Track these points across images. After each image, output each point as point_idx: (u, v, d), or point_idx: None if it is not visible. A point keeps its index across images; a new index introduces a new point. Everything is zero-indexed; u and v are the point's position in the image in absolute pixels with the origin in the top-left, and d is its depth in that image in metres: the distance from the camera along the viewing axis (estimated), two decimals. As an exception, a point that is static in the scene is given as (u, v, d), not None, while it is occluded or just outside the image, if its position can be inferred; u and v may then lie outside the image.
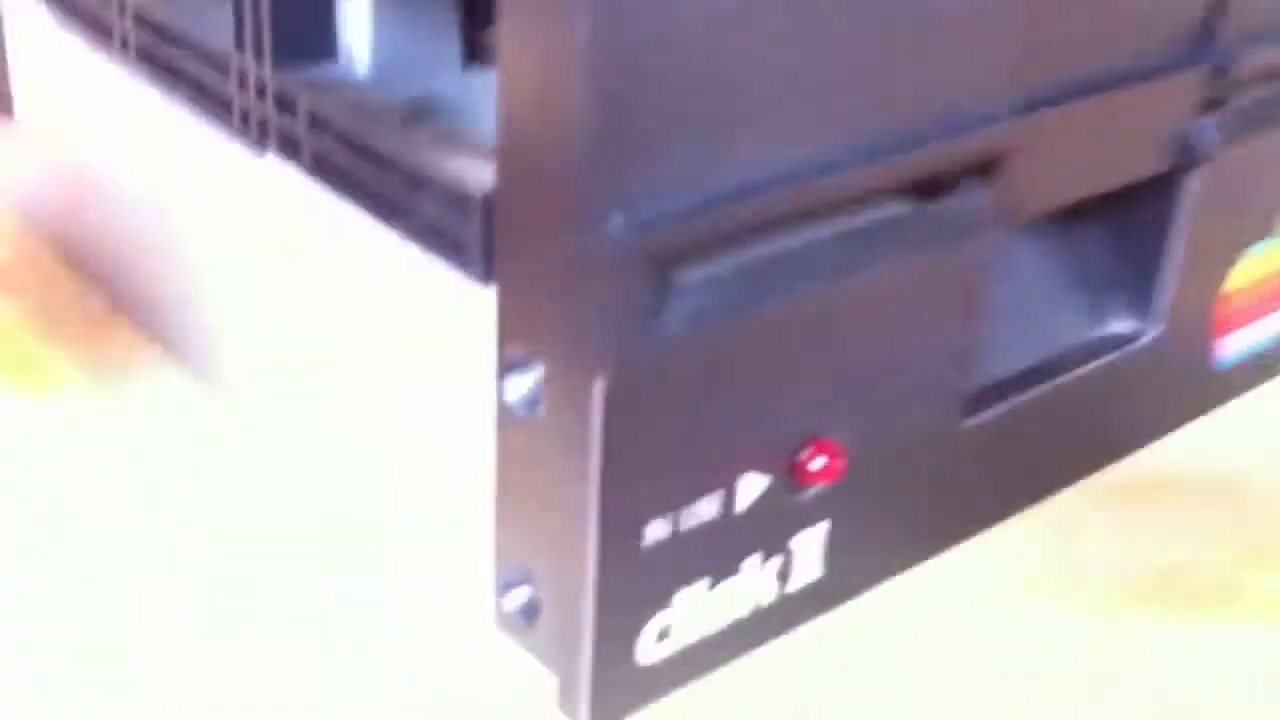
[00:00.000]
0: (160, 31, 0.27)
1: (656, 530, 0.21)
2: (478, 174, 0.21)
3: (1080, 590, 0.26)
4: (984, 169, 0.23)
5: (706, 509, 0.21)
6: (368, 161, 0.23)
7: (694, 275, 0.20)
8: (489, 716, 0.22)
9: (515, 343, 0.20)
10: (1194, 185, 0.27)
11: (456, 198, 0.21)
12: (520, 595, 0.22)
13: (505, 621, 0.22)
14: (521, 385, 0.20)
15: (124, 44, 0.29)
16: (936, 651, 0.24)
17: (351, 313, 0.25)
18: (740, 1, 0.18)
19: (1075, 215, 0.28)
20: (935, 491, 0.25)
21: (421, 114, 0.24)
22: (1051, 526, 0.27)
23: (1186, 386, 0.30)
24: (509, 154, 0.19)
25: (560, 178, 0.18)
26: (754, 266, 0.20)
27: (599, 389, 0.19)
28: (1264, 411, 0.31)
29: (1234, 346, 0.30)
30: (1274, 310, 0.31)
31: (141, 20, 0.28)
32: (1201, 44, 0.26)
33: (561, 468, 0.20)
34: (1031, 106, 0.23)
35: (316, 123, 0.24)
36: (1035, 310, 0.28)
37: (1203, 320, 0.29)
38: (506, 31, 0.18)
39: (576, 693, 0.21)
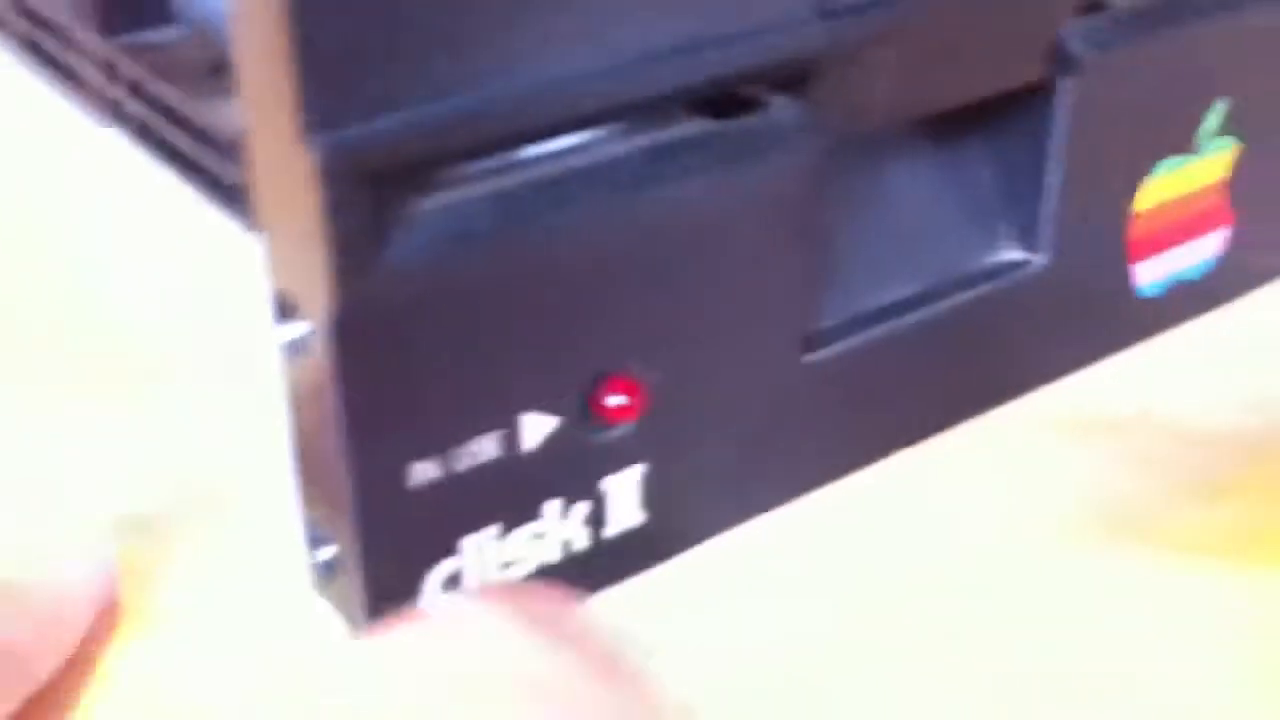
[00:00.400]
0: (34, 17, 0.28)
1: (424, 472, 0.20)
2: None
3: (1031, 522, 0.24)
4: (791, 84, 0.22)
5: (484, 449, 0.20)
6: (165, 117, 0.22)
7: (430, 201, 0.19)
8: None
9: (281, 285, 0.20)
10: (1070, 97, 0.25)
11: (219, 143, 0.20)
12: (326, 552, 0.22)
13: (317, 580, 0.22)
14: (293, 330, 0.20)
15: (13, 34, 0.29)
16: (889, 578, 0.23)
17: (193, 282, 0.25)
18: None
19: (963, 134, 0.27)
20: (774, 434, 0.24)
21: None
22: (999, 460, 0.26)
23: (1099, 317, 0.28)
24: (243, 94, 0.19)
25: (275, 102, 0.18)
26: (508, 191, 0.19)
27: (329, 323, 0.18)
28: (1209, 344, 0.29)
29: (1154, 273, 0.28)
30: (1203, 234, 0.29)
31: (22, 8, 0.29)
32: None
33: (322, 411, 0.20)
34: (842, 12, 0.22)
35: (135, 89, 0.24)
36: (921, 238, 0.26)
37: (1108, 244, 0.27)
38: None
39: (364, 643, 0.21)
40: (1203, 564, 0.24)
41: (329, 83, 0.17)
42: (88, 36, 0.25)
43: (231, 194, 0.21)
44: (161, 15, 0.25)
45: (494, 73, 0.19)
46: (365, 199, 0.18)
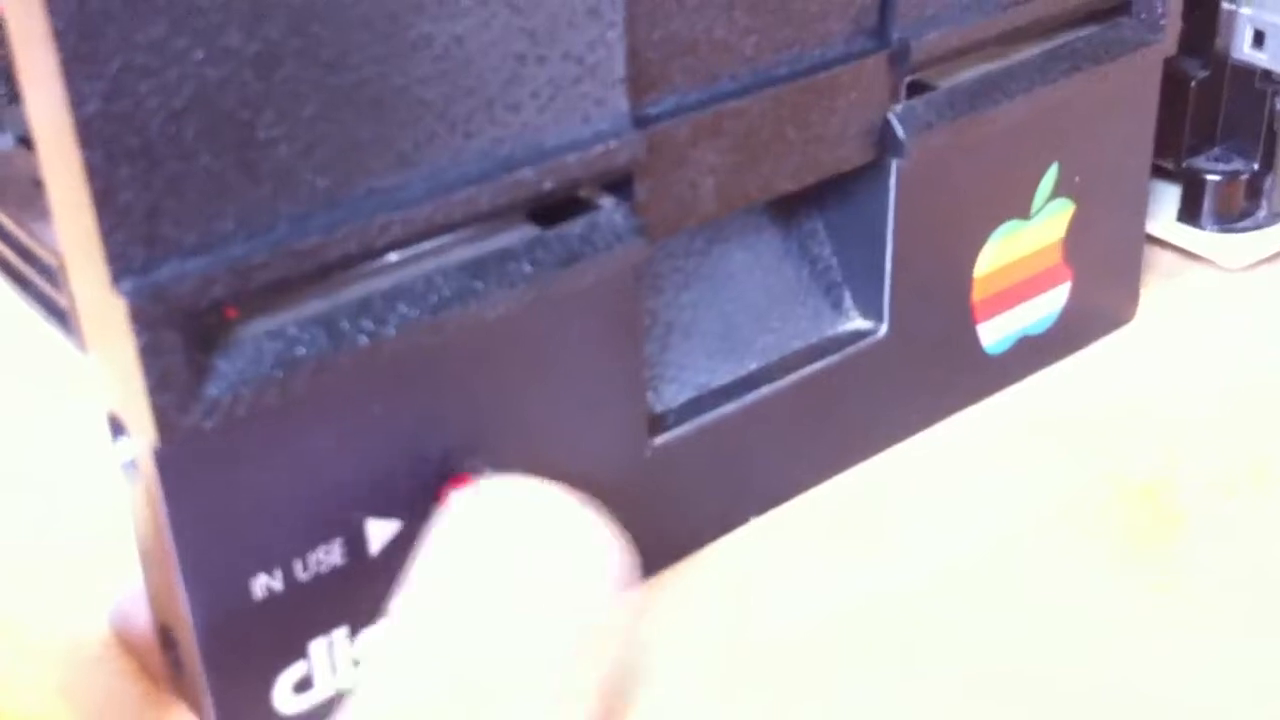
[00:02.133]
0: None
1: (265, 584, 0.21)
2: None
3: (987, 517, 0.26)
4: (614, 186, 0.23)
5: (328, 558, 0.21)
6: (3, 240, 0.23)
7: (252, 328, 0.20)
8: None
9: (112, 407, 0.21)
10: (899, 176, 0.26)
11: (47, 266, 0.21)
12: (173, 654, 0.22)
13: (169, 678, 0.23)
14: (125, 451, 0.21)
15: None
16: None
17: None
18: (249, 52, 0.18)
19: (801, 213, 0.28)
20: (628, 517, 0.24)
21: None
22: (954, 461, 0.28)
23: (947, 377, 0.29)
24: (57, 225, 0.20)
25: (84, 245, 0.18)
26: (330, 314, 0.20)
27: (150, 456, 0.19)
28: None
29: (998, 331, 0.29)
30: (1039, 292, 0.30)
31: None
32: (876, 27, 0.25)
33: (159, 530, 0.20)
34: (658, 117, 0.23)
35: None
36: (765, 315, 0.27)
37: (953, 308, 0.28)
38: (28, 102, 0.19)
39: (217, 749, 0.22)
40: (1020, 614, 0.25)
41: (133, 230, 0.18)
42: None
43: (60, 314, 0.21)
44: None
45: (298, 207, 0.19)
46: (179, 337, 0.19)
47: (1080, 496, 0.27)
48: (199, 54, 0.18)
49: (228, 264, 0.19)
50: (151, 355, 0.18)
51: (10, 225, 0.22)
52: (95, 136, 0.17)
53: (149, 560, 0.22)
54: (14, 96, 0.26)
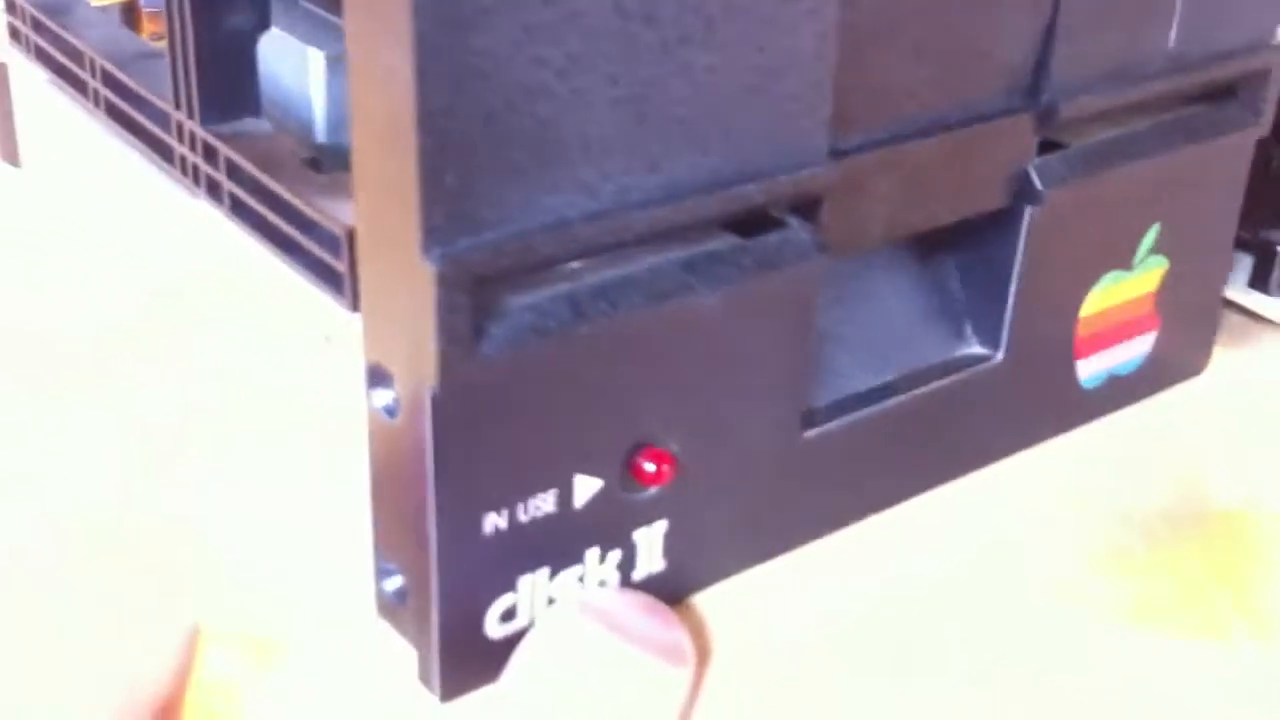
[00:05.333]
0: (121, 89, 0.32)
1: (494, 522, 0.24)
2: (350, 216, 0.24)
3: (945, 586, 0.29)
4: (805, 208, 0.26)
5: (542, 505, 0.24)
6: (269, 205, 0.26)
7: (517, 300, 0.23)
8: (375, 692, 0.25)
9: (376, 359, 0.24)
10: (1031, 222, 0.30)
11: (330, 236, 0.24)
12: (394, 582, 0.25)
13: (383, 607, 0.26)
14: (384, 396, 0.24)
15: (95, 99, 0.33)
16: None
17: (264, 339, 0.28)
18: (556, 62, 0.22)
19: (937, 247, 0.31)
20: (775, 496, 0.28)
21: (329, 161, 0.28)
22: (920, 527, 0.30)
23: (1047, 405, 0.32)
24: (360, 199, 0.23)
25: (396, 217, 0.22)
26: (576, 293, 0.24)
27: (430, 399, 0.22)
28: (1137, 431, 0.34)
29: (1094, 368, 0.33)
30: (1130, 337, 0.33)
31: (108, 78, 0.32)
32: (1029, 90, 0.29)
33: (411, 467, 0.23)
34: (849, 151, 0.26)
35: (233, 170, 0.27)
36: (897, 333, 0.31)
37: (1058, 343, 0.32)
38: (354, 94, 0.22)
39: (430, 665, 0.25)
40: (1107, 631, 0.28)
41: (445, 208, 0.21)
42: (185, 120, 0.29)
43: (328, 274, 0.25)
44: (253, 109, 0.29)
45: (568, 197, 0.23)
46: (468, 300, 0.22)
47: (1156, 511, 0.31)
48: (520, 61, 0.21)
49: (510, 241, 0.22)
50: (446, 313, 0.22)
51: (289, 197, 0.25)
52: (432, 127, 0.20)
53: (385, 497, 0.25)
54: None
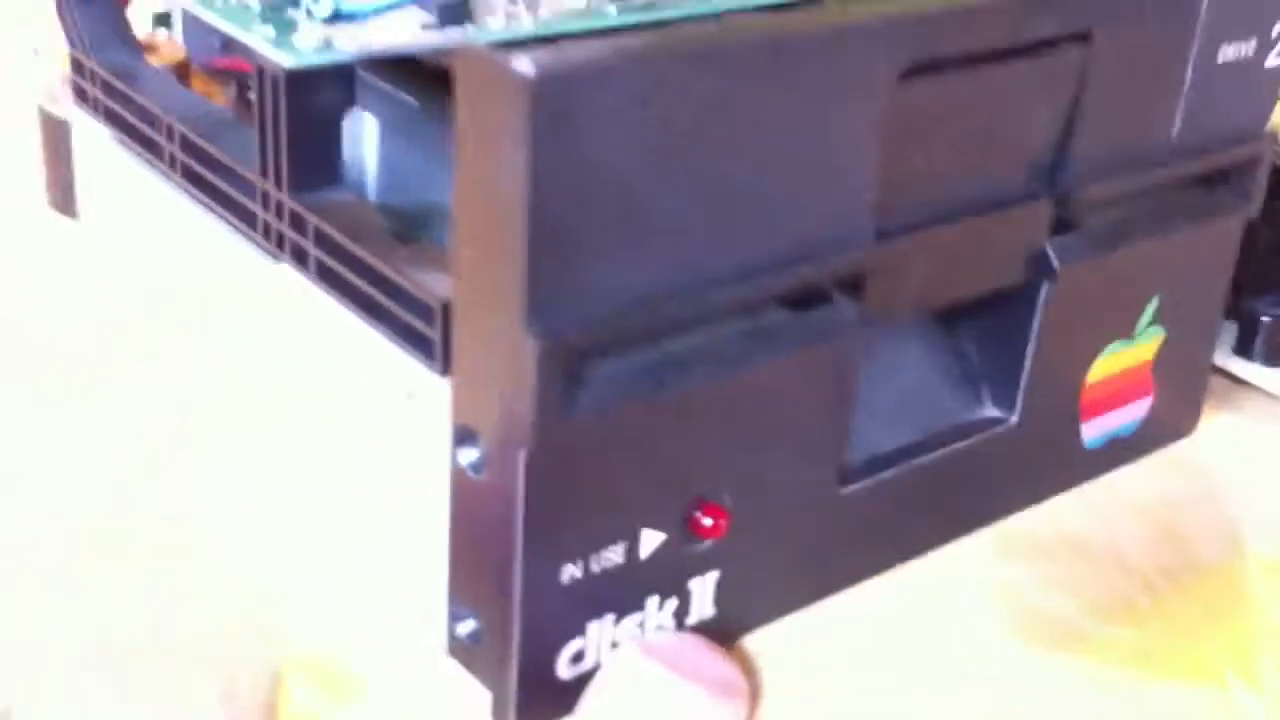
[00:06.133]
0: (201, 155, 0.33)
1: (571, 572, 0.26)
2: (442, 286, 0.26)
3: (961, 630, 0.31)
4: (850, 284, 0.29)
5: (613, 556, 0.27)
6: (359, 274, 0.28)
7: (602, 369, 0.25)
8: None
9: (464, 420, 0.26)
10: (1047, 296, 0.32)
11: (424, 307, 0.26)
12: (468, 625, 0.27)
13: (455, 648, 0.28)
14: (470, 454, 0.26)
15: (171, 163, 0.35)
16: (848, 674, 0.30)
17: (342, 396, 0.30)
18: (649, 157, 0.24)
19: (956, 317, 0.34)
20: (815, 547, 0.30)
21: (413, 228, 0.30)
22: (941, 572, 0.33)
23: (1054, 464, 0.35)
24: (460, 275, 0.25)
25: (496, 295, 0.24)
26: (652, 363, 0.26)
27: (521, 459, 0.24)
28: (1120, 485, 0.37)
29: (1097, 430, 0.36)
30: (1129, 402, 0.36)
31: (187, 144, 0.34)
32: (1048, 179, 0.32)
33: (497, 521, 0.26)
34: (891, 233, 0.29)
35: (321, 239, 0.29)
36: (920, 397, 0.33)
37: (1066, 407, 0.35)
38: (460, 175, 0.24)
39: (506, 704, 0.27)
40: (1107, 676, 0.30)
41: (548, 285, 0.24)
42: (272, 189, 0.31)
43: (425, 344, 0.27)
44: (336, 179, 0.31)
45: (652, 276, 0.25)
46: (562, 370, 0.24)
47: (1154, 564, 0.33)
48: (619, 157, 0.23)
49: (602, 316, 0.24)
50: (542, 382, 0.24)
51: (383, 268, 0.27)
52: (539, 215, 0.23)
53: (464, 547, 0.27)
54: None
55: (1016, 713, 0.29)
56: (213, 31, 0.31)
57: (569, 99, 0.22)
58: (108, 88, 0.37)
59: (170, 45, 0.43)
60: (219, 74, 0.43)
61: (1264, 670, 0.31)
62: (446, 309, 0.26)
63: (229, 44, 0.40)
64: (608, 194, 0.24)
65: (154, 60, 0.41)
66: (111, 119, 0.37)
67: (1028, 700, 0.29)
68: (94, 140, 0.38)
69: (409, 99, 0.34)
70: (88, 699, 0.27)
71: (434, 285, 0.26)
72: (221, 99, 0.42)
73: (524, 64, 0.22)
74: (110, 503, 0.32)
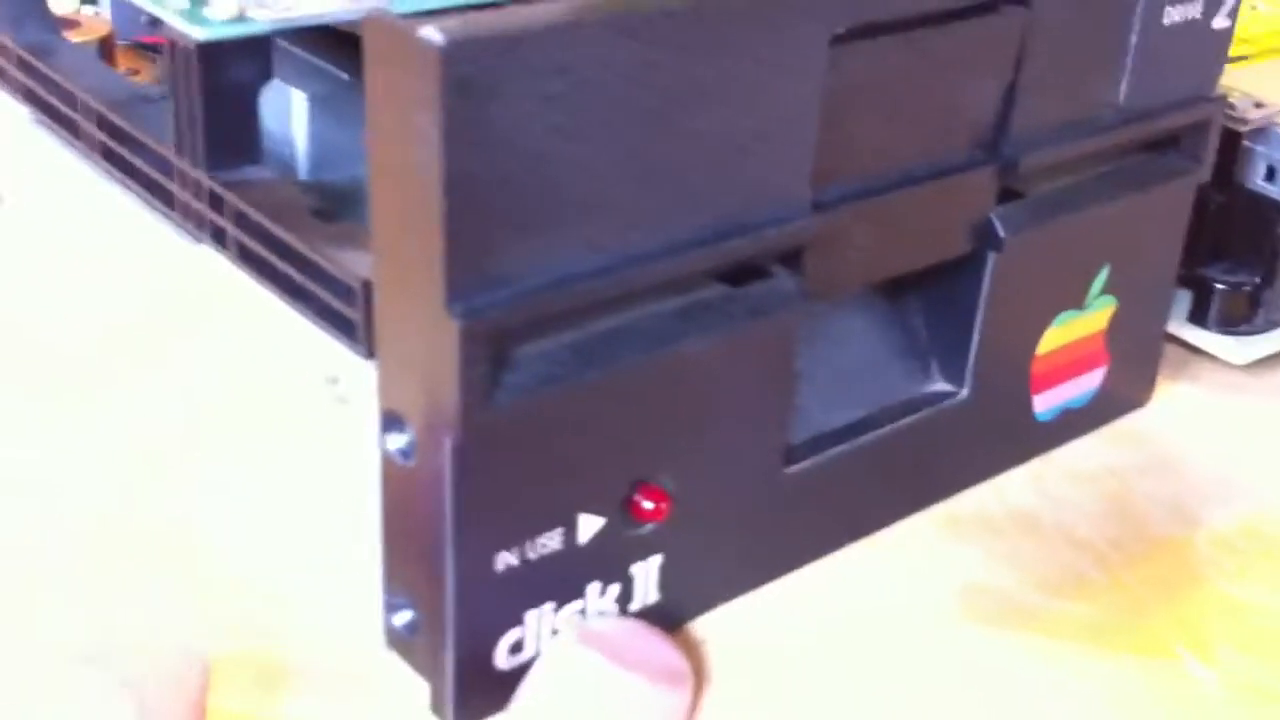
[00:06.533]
0: (119, 134, 0.32)
1: (506, 560, 0.25)
2: (365, 266, 0.25)
3: (910, 609, 0.30)
4: (789, 258, 0.28)
5: (550, 543, 0.26)
6: (279, 254, 0.27)
7: (528, 350, 0.24)
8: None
9: (391, 405, 0.25)
10: (994, 266, 0.32)
11: (344, 287, 0.25)
12: (404, 616, 0.26)
13: (392, 639, 0.27)
14: (398, 440, 0.25)
15: (90, 142, 0.33)
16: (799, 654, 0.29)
17: (273, 382, 0.29)
18: (567, 129, 0.23)
19: (902, 290, 0.33)
20: (762, 529, 0.29)
21: (345, 205, 0.29)
22: (889, 551, 0.32)
23: (1005, 437, 0.34)
24: (380, 255, 0.24)
25: (415, 274, 0.23)
26: (581, 342, 0.25)
27: (449, 445, 0.24)
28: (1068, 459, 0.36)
29: (1049, 402, 0.35)
30: (1083, 372, 0.35)
31: (104, 123, 0.33)
32: (991, 146, 0.31)
33: (427, 508, 0.25)
34: (830, 204, 0.28)
35: (240, 219, 0.28)
36: (867, 372, 0.33)
37: (1016, 379, 0.34)
38: (373, 156, 0.23)
39: (444, 696, 0.26)
40: (1060, 651, 0.30)
41: (468, 265, 0.23)
42: (189, 167, 0.29)
43: (348, 326, 0.26)
44: (256, 156, 0.30)
45: (576, 255, 0.24)
46: (486, 352, 0.23)
47: (1104, 537, 0.33)
48: (536, 128, 0.22)
49: (525, 295, 0.23)
50: (466, 365, 0.23)
51: (302, 249, 0.26)
52: (456, 190, 0.22)
53: (397, 535, 0.26)
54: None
55: (967, 691, 0.29)
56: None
57: (480, 68, 0.21)
58: (25, 66, 0.35)
59: (94, 21, 0.42)
60: (146, 49, 0.41)
61: (1215, 642, 0.30)
62: (368, 288, 0.25)
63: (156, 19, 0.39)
64: (527, 168, 0.23)
65: (77, 36, 0.40)
66: (30, 98, 0.35)
67: (978, 678, 0.29)
68: (13, 120, 0.37)
69: (339, 73, 0.33)
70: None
71: (357, 265, 0.26)
72: (149, 76, 0.40)
73: (432, 33, 0.21)
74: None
